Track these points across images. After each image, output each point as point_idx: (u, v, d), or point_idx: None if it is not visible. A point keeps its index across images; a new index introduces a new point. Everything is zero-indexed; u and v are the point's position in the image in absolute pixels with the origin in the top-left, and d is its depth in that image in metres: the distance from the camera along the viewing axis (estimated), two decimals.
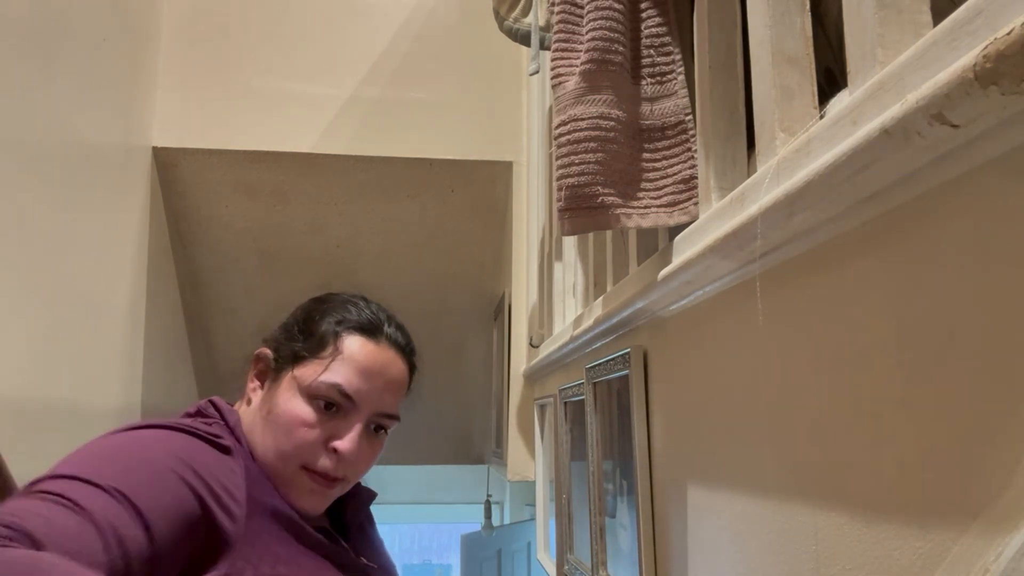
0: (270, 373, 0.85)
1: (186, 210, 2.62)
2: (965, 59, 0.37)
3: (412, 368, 0.90)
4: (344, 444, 0.80)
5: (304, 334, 0.84)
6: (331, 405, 0.80)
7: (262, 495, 0.75)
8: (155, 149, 2.39)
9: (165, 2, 2.47)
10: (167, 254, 2.59)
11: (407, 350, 0.89)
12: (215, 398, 0.84)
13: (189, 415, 0.81)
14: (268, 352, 0.86)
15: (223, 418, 0.81)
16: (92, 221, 1.96)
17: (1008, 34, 0.35)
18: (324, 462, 0.80)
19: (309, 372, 0.81)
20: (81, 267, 1.89)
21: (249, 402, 0.85)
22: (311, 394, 0.80)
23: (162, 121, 2.40)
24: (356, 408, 0.81)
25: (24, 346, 1.59)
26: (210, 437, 0.74)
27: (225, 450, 0.74)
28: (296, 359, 0.83)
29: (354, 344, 0.83)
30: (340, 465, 0.81)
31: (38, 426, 1.65)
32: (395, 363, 0.85)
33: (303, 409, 0.80)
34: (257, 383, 0.86)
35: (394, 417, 0.85)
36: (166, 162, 2.43)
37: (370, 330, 0.85)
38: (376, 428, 0.84)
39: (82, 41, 1.88)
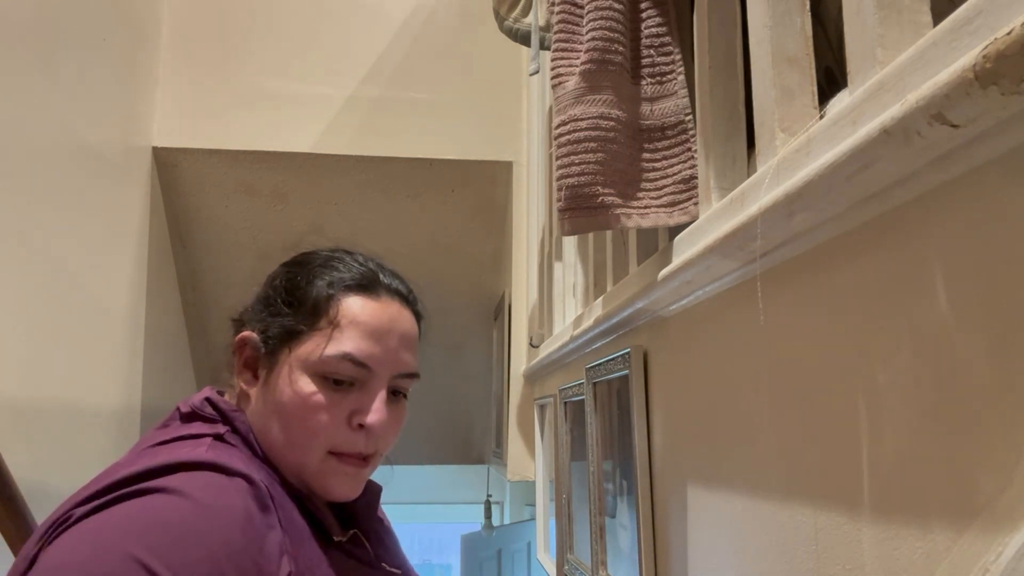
0: (261, 359, 0.74)
1: (186, 210, 2.63)
2: (965, 59, 0.37)
3: (419, 316, 0.81)
4: (371, 417, 0.72)
5: (291, 305, 0.74)
6: (343, 380, 0.72)
7: (294, 529, 0.66)
8: (155, 149, 2.39)
9: (165, 2, 2.47)
10: (167, 254, 2.59)
11: (410, 298, 0.80)
12: (211, 394, 0.74)
13: (182, 415, 0.72)
14: (253, 335, 0.75)
15: (228, 421, 0.71)
16: (92, 221, 1.96)
17: (1008, 34, 0.35)
18: (352, 441, 0.72)
19: (310, 347, 0.72)
20: (81, 267, 1.89)
21: (248, 399, 0.75)
22: (318, 372, 0.71)
23: (162, 121, 2.41)
24: (373, 375, 0.73)
25: (24, 346, 1.59)
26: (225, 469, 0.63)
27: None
28: (291, 336, 0.73)
29: (354, 305, 0.73)
30: (370, 440, 0.73)
31: (38, 426, 1.65)
32: (402, 315, 0.77)
33: (312, 390, 0.70)
34: (249, 374, 0.75)
35: (414, 375, 0.77)
36: (166, 162, 2.44)
37: (367, 285, 0.75)
38: (394, 392, 0.76)
39: (82, 41, 1.88)
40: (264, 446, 0.72)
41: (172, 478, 0.60)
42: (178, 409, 0.73)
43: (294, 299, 0.74)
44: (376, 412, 0.72)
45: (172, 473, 0.60)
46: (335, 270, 0.76)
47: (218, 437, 0.69)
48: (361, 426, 0.72)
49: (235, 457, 0.66)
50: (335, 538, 0.72)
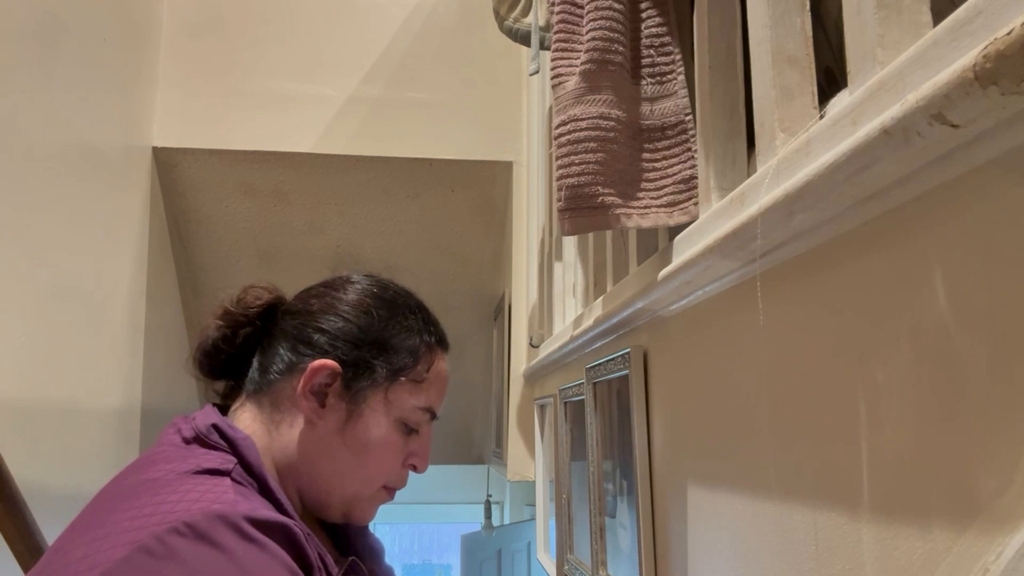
0: (338, 391, 0.74)
1: (186, 210, 2.63)
2: (965, 59, 0.37)
3: None
4: (425, 462, 0.81)
5: (398, 351, 0.76)
6: (415, 428, 0.79)
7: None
8: (155, 149, 2.39)
9: (165, 2, 2.47)
10: (167, 254, 2.59)
11: None
12: (216, 419, 0.71)
13: (185, 439, 0.69)
14: (335, 365, 0.74)
15: (236, 451, 0.68)
16: (92, 221, 1.96)
17: (1008, 34, 0.35)
18: (402, 478, 0.80)
19: (403, 395, 0.76)
20: (81, 267, 1.89)
21: (310, 423, 0.74)
22: (402, 418, 0.77)
23: (162, 121, 2.41)
24: (430, 422, 0.81)
25: (24, 346, 1.59)
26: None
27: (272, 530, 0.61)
28: (391, 380, 0.76)
29: (440, 363, 0.81)
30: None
31: (38, 426, 1.65)
32: None
33: (395, 434, 0.76)
34: (315, 401, 0.74)
35: None
36: (166, 162, 2.44)
37: (447, 344, 0.83)
38: None
39: (82, 41, 1.88)
40: (302, 471, 0.74)
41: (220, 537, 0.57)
42: (179, 430, 0.70)
43: (398, 345, 0.77)
44: (427, 456, 0.81)
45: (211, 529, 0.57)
46: (428, 322, 0.81)
47: (228, 473, 0.65)
48: (414, 467, 0.80)
49: (259, 503, 0.64)
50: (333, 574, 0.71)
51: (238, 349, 0.79)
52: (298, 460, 0.74)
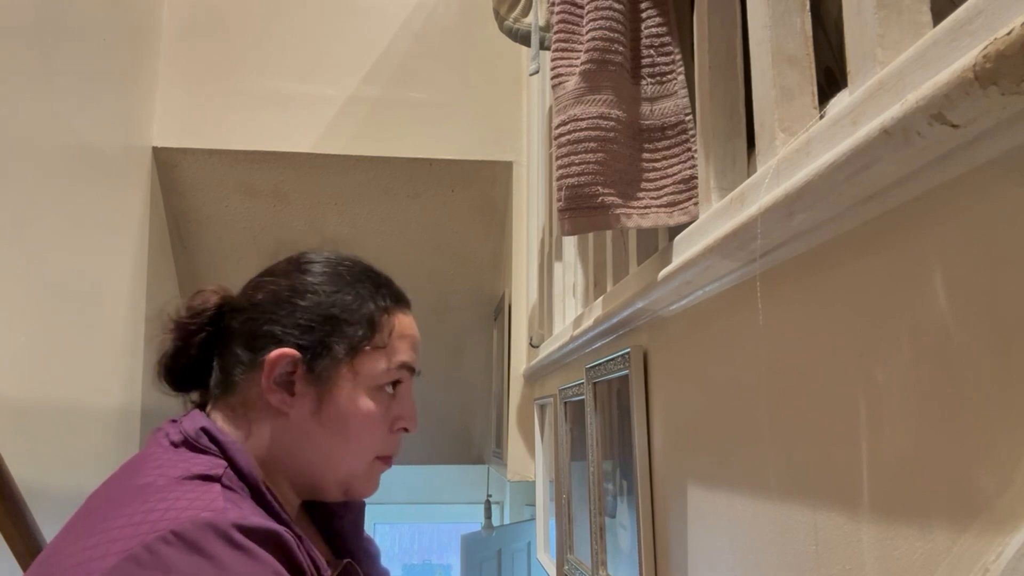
0: (304, 376, 0.73)
1: (186, 210, 2.63)
2: (965, 59, 0.37)
3: None
4: (413, 422, 0.79)
5: (351, 323, 0.75)
6: (394, 384, 0.77)
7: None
8: (155, 149, 2.39)
9: (165, 2, 2.47)
10: (167, 254, 2.59)
11: None
12: (205, 422, 0.70)
13: (173, 443, 0.68)
14: (294, 352, 0.73)
15: (226, 454, 0.68)
16: (92, 221, 1.96)
17: (1008, 34, 0.35)
18: (394, 444, 0.79)
19: (370, 364, 0.75)
20: (81, 267, 1.89)
21: (284, 414, 0.73)
22: (378, 384, 0.75)
23: (162, 121, 2.41)
24: (410, 379, 0.79)
25: (24, 346, 1.59)
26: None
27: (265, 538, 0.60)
28: (352, 354, 0.74)
29: (403, 320, 0.79)
30: (402, 439, 0.80)
31: (38, 426, 1.65)
32: None
33: (371, 404, 0.75)
34: (284, 392, 0.73)
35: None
36: (166, 162, 2.44)
37: (403, 301, 0.81)
38: None
39: (82, 41, 1.88)
40: (287, 464, 0.73)
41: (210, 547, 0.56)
42: (167, 434, 0.70)
43: (351, 317, 0.75)
44: (414, 416, 0.80)
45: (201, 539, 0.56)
46: (379, 285, 0.79)
47: (218, 479, 0.65)
48: (405, 429, 0.79)
49: (249, 509, 0.63)
50: None
51: (196, 358, 0.77)
52: (281, 454, 0.73)
